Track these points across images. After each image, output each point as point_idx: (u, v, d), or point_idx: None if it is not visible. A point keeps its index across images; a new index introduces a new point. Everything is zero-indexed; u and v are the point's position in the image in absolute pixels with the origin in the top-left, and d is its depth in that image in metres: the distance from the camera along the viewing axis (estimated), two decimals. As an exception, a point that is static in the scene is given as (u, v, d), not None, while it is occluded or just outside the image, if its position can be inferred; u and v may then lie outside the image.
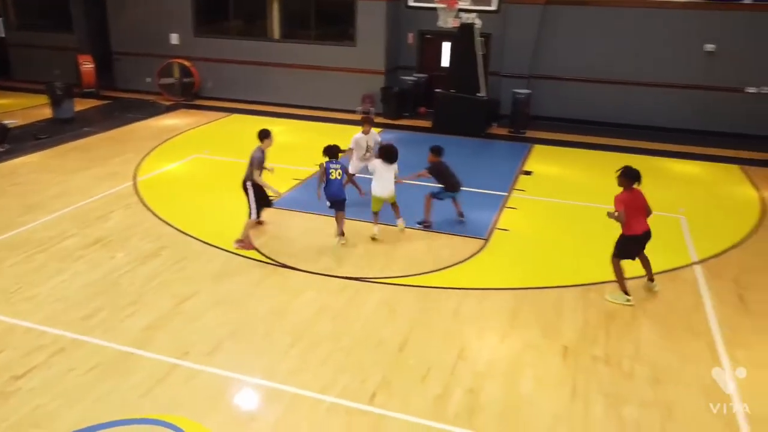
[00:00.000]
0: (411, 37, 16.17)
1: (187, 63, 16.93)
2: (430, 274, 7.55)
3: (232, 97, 17.08)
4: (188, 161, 11.75)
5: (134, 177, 10.67)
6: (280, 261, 7.74)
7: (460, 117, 14.12)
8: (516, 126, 14.52)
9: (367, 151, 9.46)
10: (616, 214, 6.73)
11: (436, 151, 8.79)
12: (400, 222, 8.52)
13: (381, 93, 15.66)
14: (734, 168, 12.36)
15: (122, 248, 7.93)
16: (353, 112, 15.87)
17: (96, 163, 11.33)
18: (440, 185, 8.81)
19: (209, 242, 8.16)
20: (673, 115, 14.61)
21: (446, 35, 15.32)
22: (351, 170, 9.49)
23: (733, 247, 8.55)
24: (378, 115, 15.39)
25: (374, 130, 9.87)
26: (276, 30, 16.94)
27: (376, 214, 8.55)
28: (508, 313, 6.70)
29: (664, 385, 5.55)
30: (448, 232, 8.73)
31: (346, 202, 8.34)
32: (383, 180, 8.33)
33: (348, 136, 9.69)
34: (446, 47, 15.97)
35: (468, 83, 14.28)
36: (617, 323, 6.54)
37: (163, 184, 10.53)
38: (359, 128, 9.70)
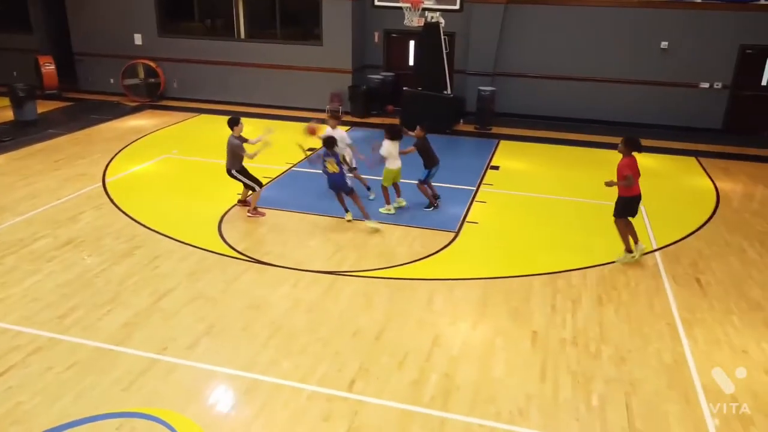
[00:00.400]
0: (377, 36, 16.35)
1: (152, 63, 16.77)
2: (403, 266, 7.73)
3: (199, 97, 17.00)
4: (157, 162, 11.69)
5: (103, 178, 10.59)
6: (254, 257, 7.83)
7: (427, 114, 14.29)
8: (482, 123, 14.84)
9: None
10: (618, 180, 7.45)
11: (425, 127, 9.40)
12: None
13: (349, 92, 15.80)
14: (691, 160, 12.87)
15: (95, 248, 7.91)
16: (322, 111, 15.98)
17: (63, 165, 11.20)
18: (424, 164, 9.36)
19: (183, 240, 8.20)
20: (632, 110, 15.11)
21: (412, 34, 15.54)
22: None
23: (691, 234, 8.96)
24: (346, 113, 15.56)
25: (341, 129, 9.92)
26: (242, 29, 16.91)
27: (386, 189, 9.19)
28: (479, 301, 6.93)
29: (628, 363, 5.85)
30: (420, 226, 8.93)
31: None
32: (395, 157, 9.11)
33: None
34: (413, 46, 16.20)
35: (434, 81, 14.52)
36: (584, 308, 6.83)
37: (133, 184, 10.48)
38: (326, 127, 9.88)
